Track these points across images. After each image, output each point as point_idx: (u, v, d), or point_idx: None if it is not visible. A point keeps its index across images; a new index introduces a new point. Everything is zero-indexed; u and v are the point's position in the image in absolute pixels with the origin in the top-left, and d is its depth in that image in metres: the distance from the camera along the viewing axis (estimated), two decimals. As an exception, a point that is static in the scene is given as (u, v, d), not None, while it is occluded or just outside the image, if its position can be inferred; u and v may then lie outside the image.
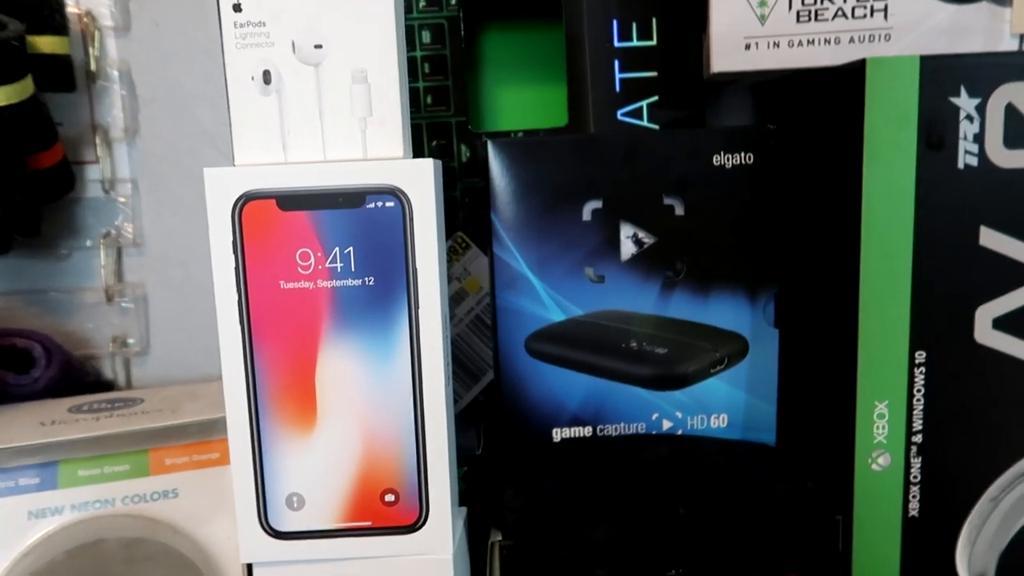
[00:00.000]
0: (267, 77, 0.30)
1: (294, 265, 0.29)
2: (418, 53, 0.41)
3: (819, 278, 0.38)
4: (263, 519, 0.31)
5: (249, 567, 0.32)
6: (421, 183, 0.29)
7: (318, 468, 0.31)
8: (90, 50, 0.43)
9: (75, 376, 0.43)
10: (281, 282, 0.30)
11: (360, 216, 0.29)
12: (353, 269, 0.29)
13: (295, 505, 0.31)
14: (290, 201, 0.29)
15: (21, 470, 0.34)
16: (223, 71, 0.30)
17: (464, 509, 0.36)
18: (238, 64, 0.30)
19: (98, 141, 0.44)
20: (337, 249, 0.29)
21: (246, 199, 0.29)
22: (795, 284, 0.40)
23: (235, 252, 0.29)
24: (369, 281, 0.30)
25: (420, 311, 0.30)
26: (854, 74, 0.34)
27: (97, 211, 0.45)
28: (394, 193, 0.29)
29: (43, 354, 0.42)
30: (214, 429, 0.36)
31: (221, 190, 0.29)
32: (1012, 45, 0.35)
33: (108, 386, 0.46)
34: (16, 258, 0.44)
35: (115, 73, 0.44)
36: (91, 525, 0.34)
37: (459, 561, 0.33)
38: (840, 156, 0.36)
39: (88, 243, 0.45)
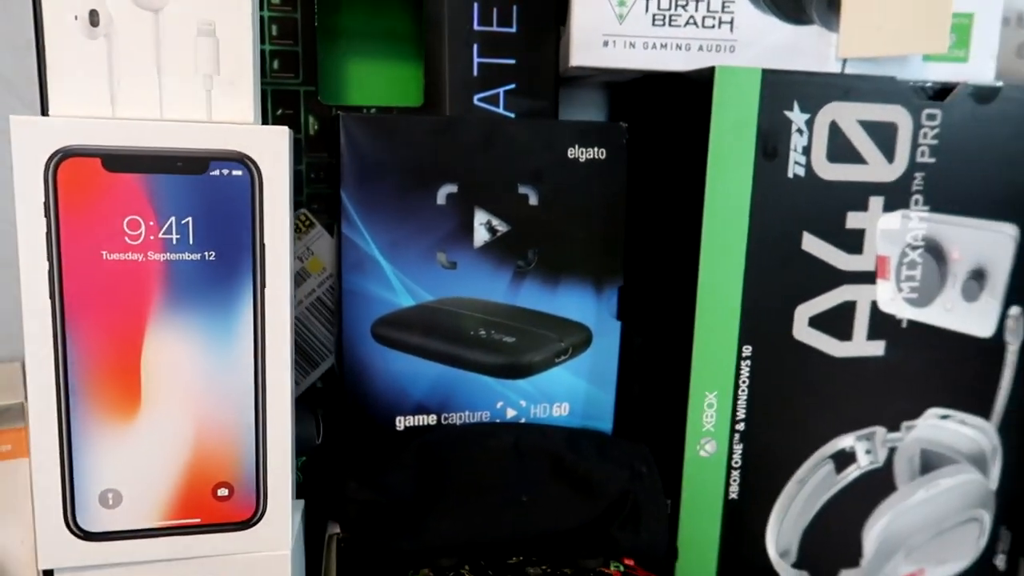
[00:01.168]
0: (94, 18, 0.26)
1: (120, 234, 0.26)
2: (265, 13, 0.38)
3: (660, 274, 0.40)
4: (70, 518, 0.27)
5: (49, 574, 0.28)
6: (274, 152, 0.27)
7: (139, 460, 0.27)
8: None
9: None
10: (104, 252, 0.26)
11: (202, 184, 0.26)
12: (191, 242, 0.27)
13: (110, 502, 0.28)
14: (119, 161, 0.26)
15: None
16: (33, 6, 0.26)
17: (301, 502, 0.34)
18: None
19: None
20: (173, 219, 0.26)
21: (64, 155, 0.25)
22: (638, 279, 0.41)
23: (47, 215, 0.25)
24: (209, 256, 0.27)
25: (267, 291, 0.28)
26: (703, 81, 0.36)
27: None
28: (243, 161, 0.27)
29: None
30: (5, 417, 0.32)
31: (31, 143, 0.25)
32: (837, 67, 0.39)
33: None
34: None
35: None
36: None
37: (296, 556, 0.31)
38: (686, 158, 0.37)
39: None
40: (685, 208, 0.37)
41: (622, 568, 0.35)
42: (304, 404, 0.39)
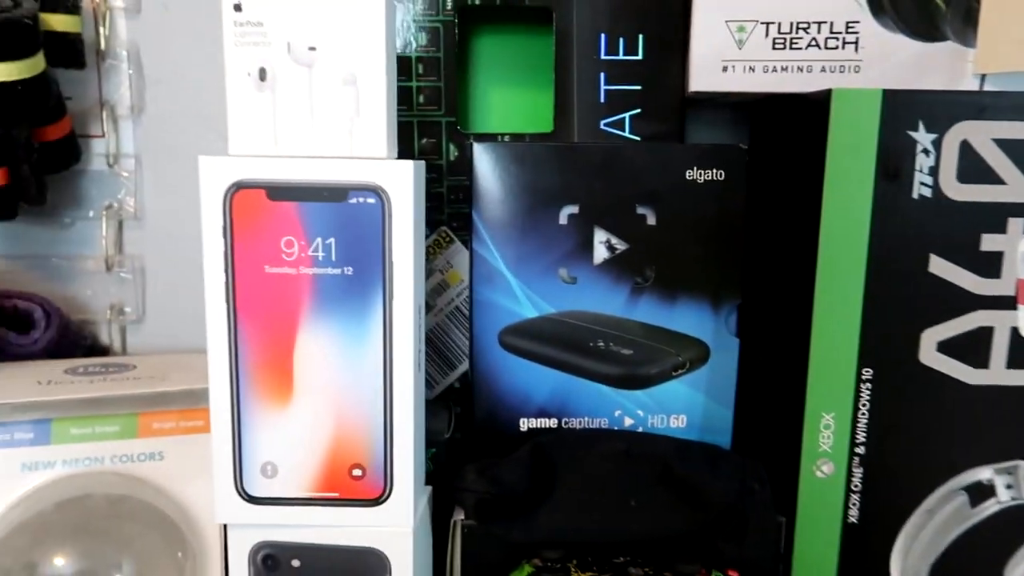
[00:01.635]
0: (263, 74, 0.32)
1: (279, 252, 0.32)
2: (413, 54, 0.43)
3: (778, 293, 0.40)
4: (239, 484, 0.33)
5: (225, 528, 0.35)
6: (401, 183, 0.31)
7: (292, 440, 0.33)
8: (100, 29, 0.45)
9: (72, 339, 0.46)
10: (266, 266, 0.32)
11: (342, 210, 0.31)
12: (333, 259, 0.32)
13: (269, 473, 0.33)
14: (279, 192, 0.31)
15: (17, 425, 0.37)
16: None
17: (429, 488, 0.38)
18: (236, 60, 0.32)
19: (105, 117, 0.46)
20: (320, 239, 0.32)
21: (237, 187, 0.31)
22: (756, 297, 0.42)
23: (224, 236, 0.31)
24: (348, 271, 0.32)
25: (394, 301, 0.32)
26: (820, 103, 0.36)
27: (101, 184, 0.47)
28: (375, 190, 0.31)
29: (43, 316, 0.44)
30: (200, 398, 0.38)
31: (214, 177, 0.31)
32: (973, 84, 0.37)
33: (104, 351, 0.48)
34: (22, 224, 0.46)
35: (124, 53, 0.45)
36: (80, 480, 0.37)
37: (420, 536, 0.35)
38: (803, 179, 0.38)
39: (91, 214, 0.47)
40: (802, 228, 0.38)
41: (724, 578, 0.36)
42: (440, 401, 0.44)
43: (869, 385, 0.38)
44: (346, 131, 0.32)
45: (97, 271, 0.47)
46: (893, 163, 0.36)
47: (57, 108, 0.43)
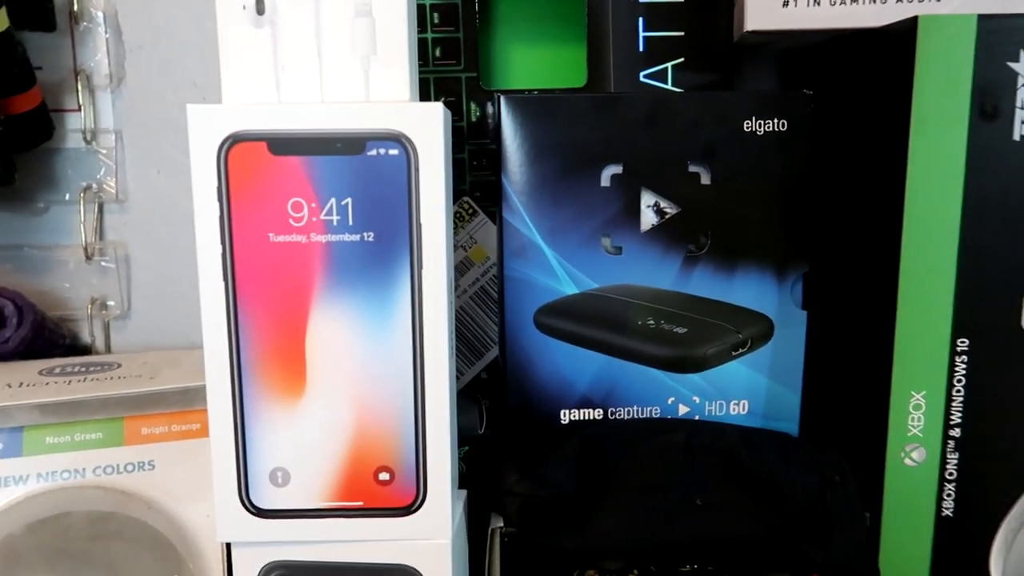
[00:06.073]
0: (260, 6, 0.26)
1: (285, 216, 0.27)
2: (427, 1, 0.38)
3: (854, 257, 0.36)
4: (244, 495, 0.28)
5: (228, 547, 0.29)
6: (429, 129, 0.26)
7: (306, 441, 0.28)
8: (72, -13, 0.40)
9: (49, 338, 0.40)
10: (270, 234, 0.27)
11: (360, 164, 0.26)
12: (351, 223, 0.27)
13: (280, 481, 0.28)
14: (282, 145, 0.26)
15: (-17, 435, 0.31)
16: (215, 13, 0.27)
17: (464, 492, 0.33)
18: (229, -10, 0.27)
19: (80, 88, 0.41)
20: (334, 200, 0.26)
21: (233, 141, 0.26)
22: (827, 263, 0.37)
23: (220, 200, 0.26)
24: (368, 236, 0.27)
25: (424, 271, 0.27)
26: (904, 35, 0.31)
27: (77, 163, 0.42)
28: (398, 140, 0.26)
29: (14, 313, 0.39)
30: (196, 398, 0.33)
31: (206, 130, 0.26)
32: (1078, 7, 0.33)
33: (85, 351, 0.43)
34: (-12, 209, 0.41)
35: (100, 15, 0.41)
36: (57, 496, 0.32)
37: (457, 547, 0.30)
38: (884, 125, 0.33)
39: (67, 197, 0.42)
40: (884, 181, 0.33)
41: (811, 586, 0.32)
42: (468, 394, 0.39)
43: (965, 358, 0.33)
44: (361, 72, 0.27)
45: (76, 261, 0.42)
46: (990, 100, 0.31)
47: (24, 76, 0.38)
